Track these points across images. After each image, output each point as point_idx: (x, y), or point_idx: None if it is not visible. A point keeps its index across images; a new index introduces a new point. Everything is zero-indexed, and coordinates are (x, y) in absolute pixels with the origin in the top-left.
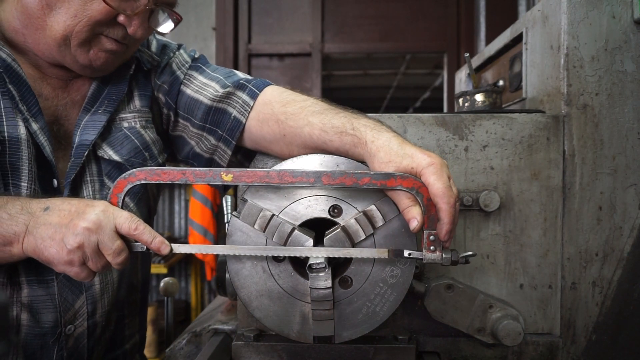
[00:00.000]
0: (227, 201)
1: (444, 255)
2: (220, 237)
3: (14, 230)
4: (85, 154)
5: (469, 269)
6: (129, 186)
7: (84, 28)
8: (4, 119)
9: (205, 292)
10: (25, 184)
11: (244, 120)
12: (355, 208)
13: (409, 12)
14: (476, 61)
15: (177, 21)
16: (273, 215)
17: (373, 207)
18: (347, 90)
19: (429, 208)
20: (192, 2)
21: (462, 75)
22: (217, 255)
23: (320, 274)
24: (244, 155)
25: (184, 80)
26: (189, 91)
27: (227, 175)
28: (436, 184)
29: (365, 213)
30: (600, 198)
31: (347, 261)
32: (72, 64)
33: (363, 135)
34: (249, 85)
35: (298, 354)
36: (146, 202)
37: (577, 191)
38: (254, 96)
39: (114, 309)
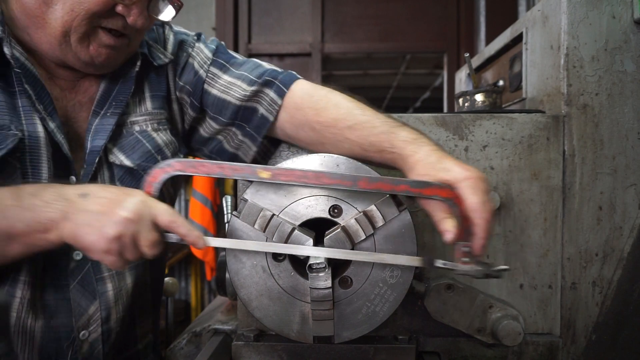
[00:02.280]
0: (227, 201)
1: (477, 268)
2: (219, 237)
3: (50, 217)
4: (97, 160)
5: None
6: (165, 176)
7: (82, 22)
8: (23, 118)
9: (205, 292)
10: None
11: (271, 118)
12: (356, 208)
13: (409, 12)
14: (476, 61)
15: (178, 7)
16: (273, 215)
17: (373, 207)
18: (347, 91)
19: (464, 220)
20: (192, 2)
21: (462, 75)
22: (217, 255)
23: (320, 274)
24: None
25: (207, 79)
26: (214, 91)
27: (264, 173)
28: (470, 197)
29: (365, 213)
30: (600, 198)
31: (347, 261)
32: (75, 62)
33: (402, 152)
34: (276, 82)
35: (298, 354)
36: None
37: (577, 191)
38: (281, 94)
39: (127, 313)
